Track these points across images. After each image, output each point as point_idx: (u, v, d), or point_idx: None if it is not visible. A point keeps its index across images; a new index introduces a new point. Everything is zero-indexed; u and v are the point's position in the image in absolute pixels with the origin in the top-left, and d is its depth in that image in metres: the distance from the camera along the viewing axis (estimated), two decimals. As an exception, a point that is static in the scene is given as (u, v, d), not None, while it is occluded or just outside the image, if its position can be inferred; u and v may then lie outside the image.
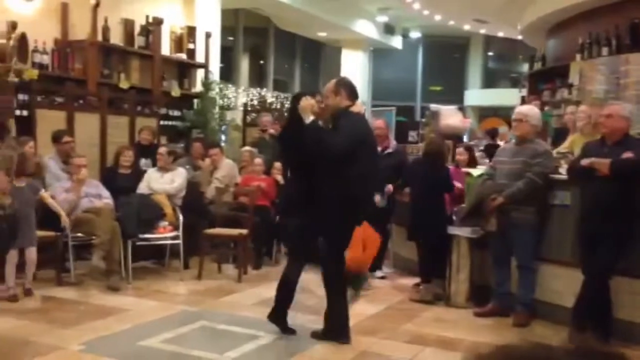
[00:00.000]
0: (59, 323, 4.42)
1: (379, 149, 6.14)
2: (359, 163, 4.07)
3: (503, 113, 13.20)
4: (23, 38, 6.20)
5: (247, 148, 7.57)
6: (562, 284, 4.57)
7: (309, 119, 4.01)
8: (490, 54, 20.99)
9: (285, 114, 4.13)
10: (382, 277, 6.15)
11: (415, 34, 18.53)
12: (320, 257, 4.28)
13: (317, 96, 4.26)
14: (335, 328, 4.21)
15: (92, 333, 4.22)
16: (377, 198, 5.52)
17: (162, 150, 6.49)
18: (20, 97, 6.09)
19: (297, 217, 4.38)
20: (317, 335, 4.24)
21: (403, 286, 5.82)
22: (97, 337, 4.16)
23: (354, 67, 16.65)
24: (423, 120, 7.88)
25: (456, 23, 14.44)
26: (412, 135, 7.80)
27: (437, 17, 13.72)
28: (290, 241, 4.58)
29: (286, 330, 4.34)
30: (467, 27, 14.96)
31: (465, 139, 8.13)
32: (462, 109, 7.64)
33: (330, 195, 4.06)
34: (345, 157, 4.00)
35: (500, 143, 8.37)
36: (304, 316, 4.79)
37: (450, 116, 7.13)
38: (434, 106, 7.56)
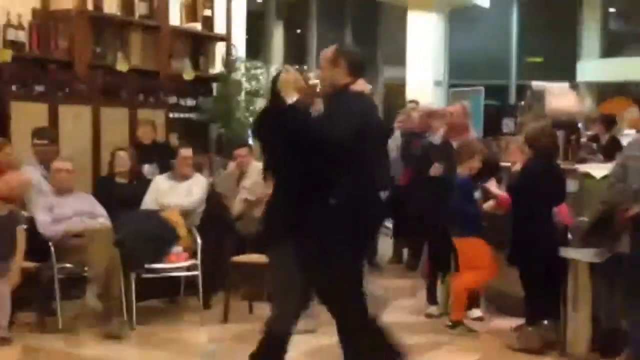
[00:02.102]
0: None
1: (454, 142, 6.14)
2: (362, 160, 4.00)
3: (632, 91, 12.92)
4: (-8, 9, 6.37)
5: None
6: None
7: (292, 98, 3.91)
8: (611, 10, 20.58)
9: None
10: (479, 319, 6.08)
11: (508, -13, 18.33)
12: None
13: (307, 70, 4.22)
14: None
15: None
16: None
17: (187, 153, 6.52)
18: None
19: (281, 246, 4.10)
20: None
21: (500, 330, 5.74)
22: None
23: (425, 34, 16.53)
24: (522, 103, 7.75)
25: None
26: (507, 123, 7.69)
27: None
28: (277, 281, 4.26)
29: None
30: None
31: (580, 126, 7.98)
32: (575, 86, 7.49)
33: (325, 213, 3.95)
34: (340, 154, 3.92)
35: (629, 132, 8.18)
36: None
37: (560, 97, 7.01)
38: (537, 84, 7.42)
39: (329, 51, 4.15)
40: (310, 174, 3.92)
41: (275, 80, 4.04)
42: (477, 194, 5.88)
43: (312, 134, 3.85)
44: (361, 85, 4.20)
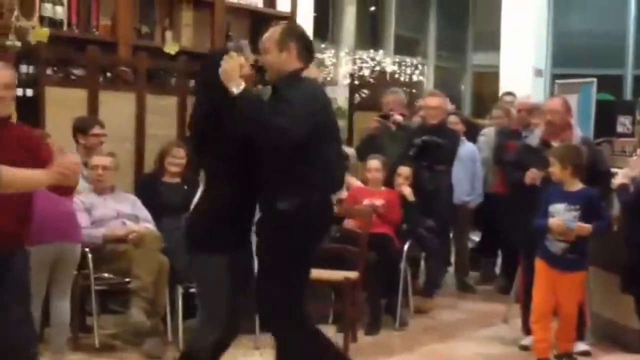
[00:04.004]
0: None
1: (555, 143, 6.12)
2: (321, 158, 4.12)
3: None
4: (28, -16, 6.59)
5: (353, 147, 7.69)
6: None
7: (239, 87, 4.03)
8: None
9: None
10: (586, 353, 6.05)
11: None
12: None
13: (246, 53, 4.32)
14: None
15: None
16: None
17: None
18: (23, 69, 6.44)
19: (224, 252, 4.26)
20: None
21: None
22: None
23: (523, 14, 16.39)
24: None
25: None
26: (624, 122, 7.61)
27: None
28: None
29: None
30: None
31: None
32: None
33: (278, 213, 4.12)
34: (299, 147, 4.02)
35: None
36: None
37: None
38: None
39: (274, 33, 4.27)
40: (257, 174, 4.14)
41: (211, 60, 4.24)
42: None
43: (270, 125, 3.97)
44: (313, 72, 4.30)
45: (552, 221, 5.57)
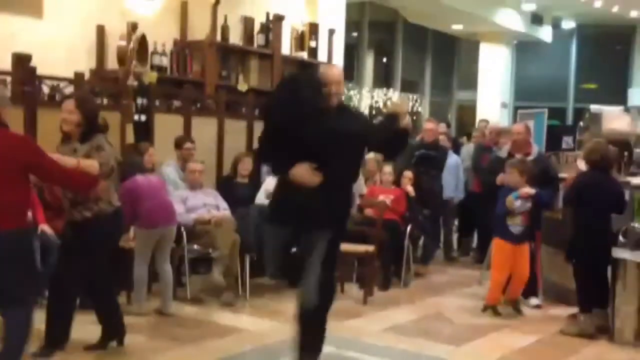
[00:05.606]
0: (178, 340, 4.71)
1: (518, 155, 6.04)
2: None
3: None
4: (143, 39, 6.64)
5: (371, 156, 7.64)
6: None
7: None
8: (660, 44, 19.70)
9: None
10: (537, 306, 5.98)
11: (568, 24, 17.81)
12: None
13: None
14: None
15: (212, 354, 4.46)
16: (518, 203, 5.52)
17: None
18: (139, 101, 6.47)
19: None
20: None
21: (557, 317, 5.63)
22: (218, 358, 4.38)
23: (495, 63, 16.28)
24: (581, 124, 7.55)
25: (620, 9, 13.74)
26: (567, 141, 7.51)
27: (598, 4, 13.12)
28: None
29: None
30: (634, 13, 14.17)
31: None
32: (628, 110, 7.28)
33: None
34: None
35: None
36: (440, 346, 4.77)
37: (615, 119, 6.81)
38: (595, 107, 7.25)
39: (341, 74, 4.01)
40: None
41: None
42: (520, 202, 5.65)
43: None
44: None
45: (507, 199, 5.59)
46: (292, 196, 3.77)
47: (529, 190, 5.59)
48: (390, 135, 3.92)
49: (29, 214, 5.32)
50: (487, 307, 5.73)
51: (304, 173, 3.70)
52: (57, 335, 4.20)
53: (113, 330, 4.43)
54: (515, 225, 5.61)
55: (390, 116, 3.96)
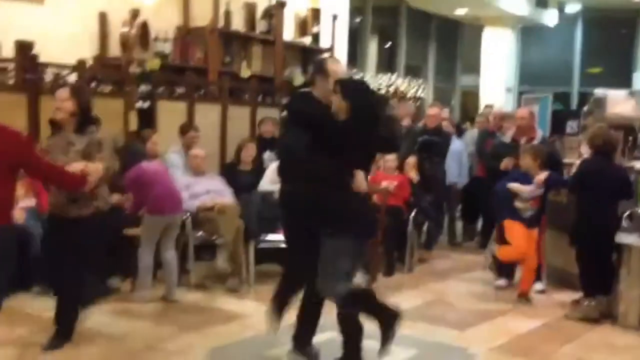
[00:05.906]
0: (182, 327, 4.71)
1: (523, 140, 6.02)
2: None
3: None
4: (145, 26, 6.62)
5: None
6: None
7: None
8: (666, 27, 19.57)
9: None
10: (541, 291, 5.97)
11: (572, 7, 17.71)
12: None
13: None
14: None
15: (217, 340, 4.48)
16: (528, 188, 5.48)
17: None
18: (142, 88, 6.46)
19: None
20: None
21: (561, 301, 5.64)
22: (222, 345, 4.41)
23: (499, 48, 16.20)
24: (585, 108, 7.50)
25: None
26: (571, 125, 7.49)
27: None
28: None
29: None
30: (639, -4, 14.02)
31: None
32: (633, 94, 7.22)
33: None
34: None
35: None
36: (444, 330, 4.78)
37: (620, 103, 6.77)
38: (599, 91, 7.21)
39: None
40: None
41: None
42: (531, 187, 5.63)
43: None
44: None
45: (511, 185, 5.57)
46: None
47: (542, 176, 5.54)
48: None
49: (34, 200, 5.39)
50: (522, 294, 5.66)
51: (363, 181, 3.82)
52: (66, 326, 4.20)
53: (67, 332, 4.19)
54: (526, 210, 5.60)
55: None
